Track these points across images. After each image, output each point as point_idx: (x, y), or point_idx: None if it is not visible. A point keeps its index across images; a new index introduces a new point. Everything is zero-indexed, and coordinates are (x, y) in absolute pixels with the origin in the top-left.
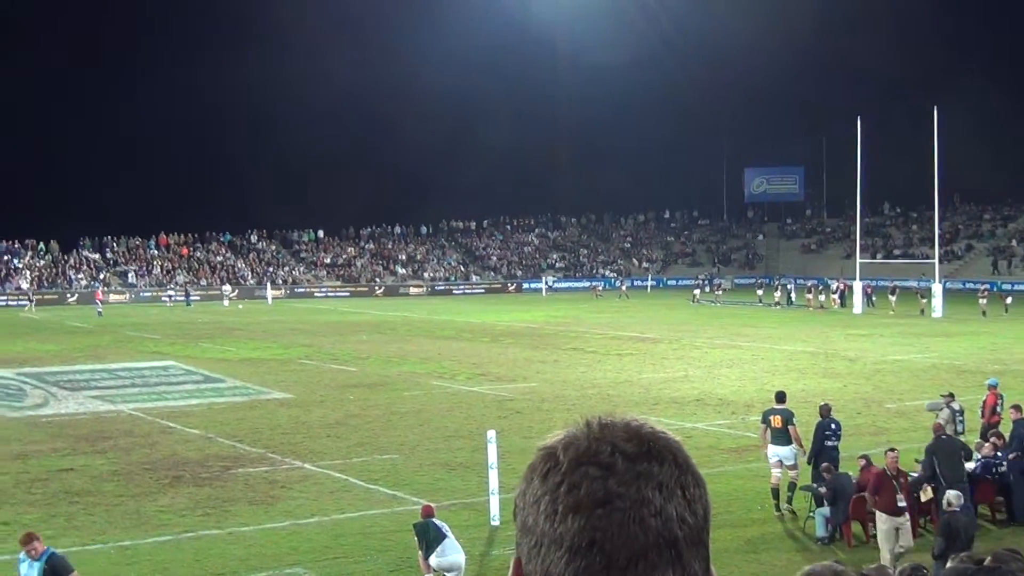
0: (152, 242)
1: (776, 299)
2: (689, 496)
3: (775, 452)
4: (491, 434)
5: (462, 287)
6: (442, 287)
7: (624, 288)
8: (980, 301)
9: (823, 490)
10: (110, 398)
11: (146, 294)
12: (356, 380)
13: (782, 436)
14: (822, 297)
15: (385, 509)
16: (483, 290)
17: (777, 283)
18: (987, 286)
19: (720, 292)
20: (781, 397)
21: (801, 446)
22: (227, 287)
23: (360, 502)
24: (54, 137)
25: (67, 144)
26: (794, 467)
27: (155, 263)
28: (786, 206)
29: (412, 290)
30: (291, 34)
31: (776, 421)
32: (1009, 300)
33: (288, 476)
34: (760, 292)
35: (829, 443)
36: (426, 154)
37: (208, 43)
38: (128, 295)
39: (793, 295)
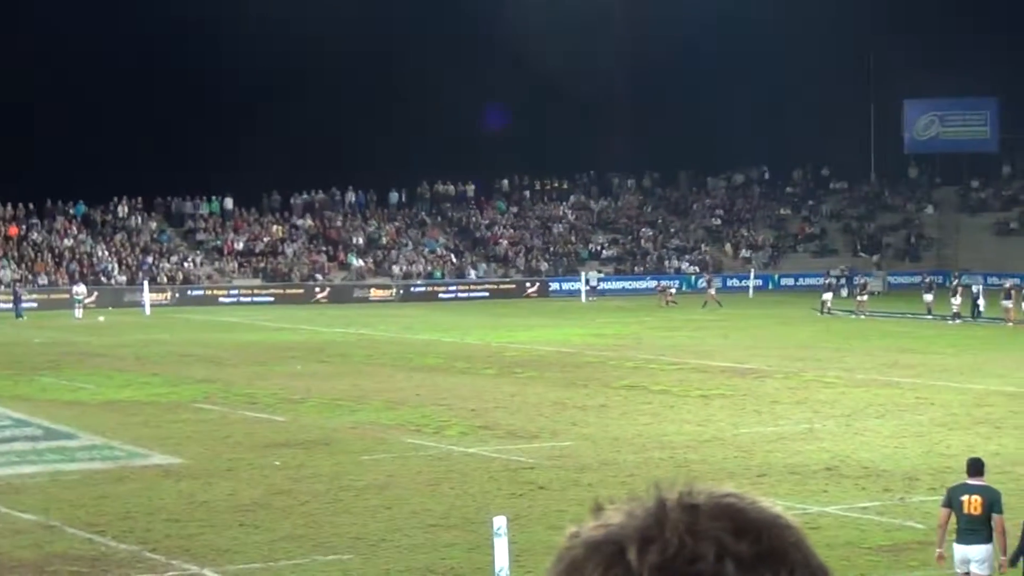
0: None
1: (955, 308)
2: None
3: (964, 554)
4: (499, 522)
5: (453, 288)
6: (422, 288)
7: (712, 291)
8: None
9: None
10: None
11: None
12: (285, 436)
13: (979, 528)
14: None
15: None
16: (486, 292)
17: (956, 283)
18: None
19: (865, 297)
20: (977, 467)
21: (1004, 545)
22: (79, 287)
23: None
24: None
25: None
26: None
27: None
28: (971, 160)
29: (374, 292)
30: None
31: (973, 505)
32: None
33: None
34: (929, 297)
35: None
36: (396, 78)
37: None
38: None
39: (982, 303)
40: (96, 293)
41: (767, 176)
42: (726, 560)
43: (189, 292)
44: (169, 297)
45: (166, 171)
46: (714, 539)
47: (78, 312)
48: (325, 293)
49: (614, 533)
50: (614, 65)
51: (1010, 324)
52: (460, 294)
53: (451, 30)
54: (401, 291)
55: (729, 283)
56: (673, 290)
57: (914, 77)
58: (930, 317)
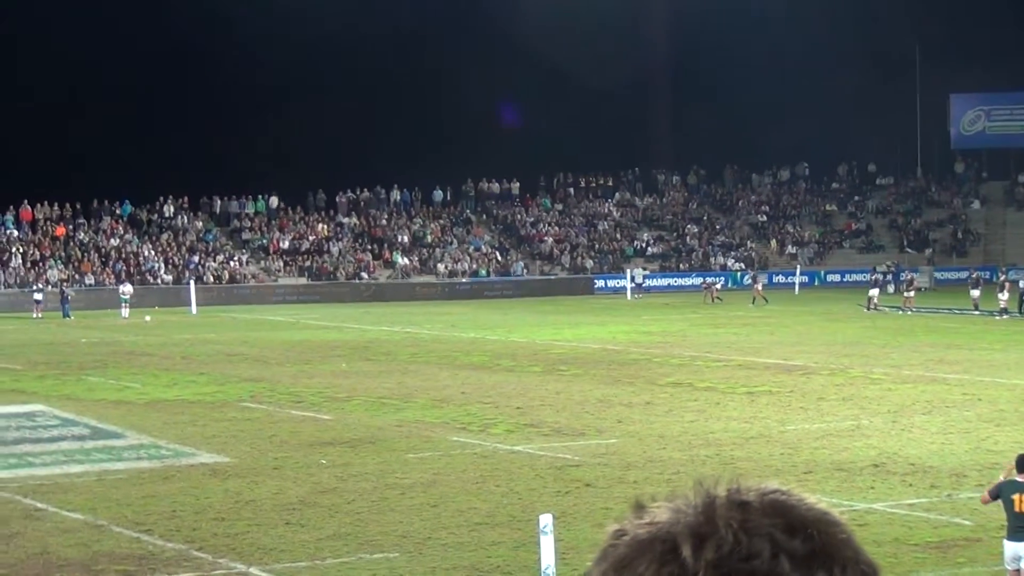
0: (9, 217)
1: (1002, 304)
2: None
3: (1015, 550)
4: (546, 520)
5: (499, 286)
6: (467, 286)
7: (759, 287)
8: None
9: None
10: None
11: None
12: (331, 434)
13: None
14: None
15: None
16: (532, 291)
17: (1003, 278)
18: None
19: (912, 293)
20: None
21: None
22: (126, 287)
23: None
24: None
25: None
26: None
27: (13, 249)
28: (1019, 154)
29: (420, 291)
30: None
31: (1022, 502)
32: None
33: None
34: (976, 293)
35: None
36: (440, 76)
37: None
38: None
39: None
40: (138, 292)
41: (808, 172)
42: (781, 557)
43: (235, 291)
44: (215, 296)
45: (212, 170)
46: (768, 536)
47: (124, 312)
48: (370, 291)
49: (664, 530)
50: (658, 62)
51: None
52: (506, 292)
53: (492, 29)
54: (447, 289)
55: (775, 279)
56: (719, 286)
57: (960, 71)
58: (977, 313)
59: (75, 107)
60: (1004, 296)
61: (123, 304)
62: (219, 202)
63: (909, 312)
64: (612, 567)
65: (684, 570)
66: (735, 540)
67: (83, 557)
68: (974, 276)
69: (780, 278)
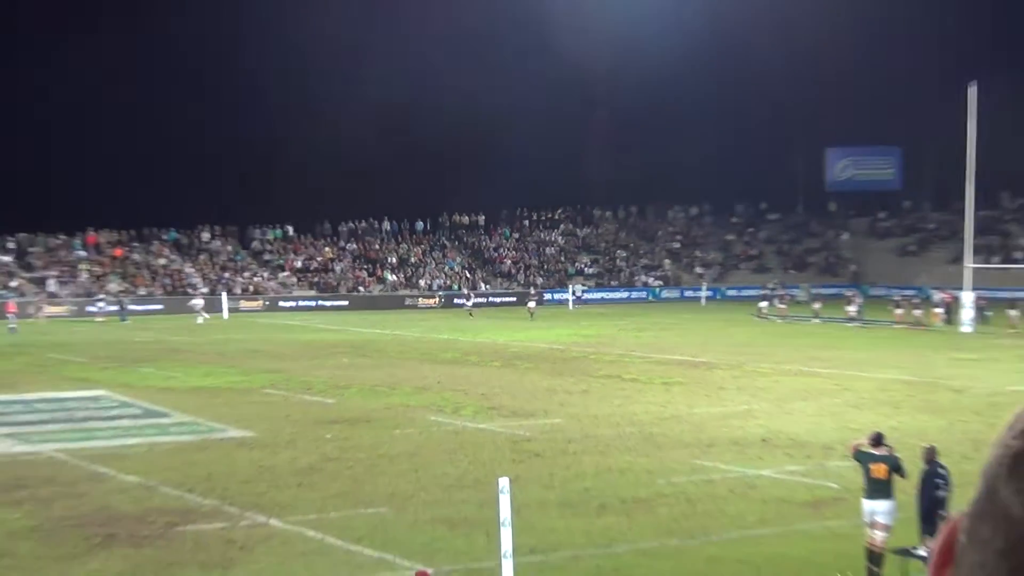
0: (77, 241)
1: (851, 313)
2: None
3: (871, 508)
4: (503, 483)
5: (467, 297)
6: (443, 297)
7: (469, 303)
8: None
9: (927, 553)
10: (26, 436)
11: (68, 306)
12: (334, 415)
13: (883, 488)
14: (918, 312)
15: (370, 575)
16: (495, 301)
17: (852, 294)
18: None
19: (784, 305)
20: (879, 439)
21: None
22: (198, 301)
23: (340, 567)
24: None
25: None
26: (887, 528)
27: (81, 267)
28: (878, 196)
29: (406, 301)
30: None
31: (878, 470)
32: None
33: (249, 535)
34: (818, 305)
35: (939, 493)
36: (421, 129)
37: None
38: (61, 309)
39: (853, 309)
40: (203, 302)
41: (708, 209)
42: None
43: (259, 300)
44: (261, 304)
45: (241, 203)
46: None
47: (199, 319)
48: (374, 302)
49: None
50: (595, 117)
51: (901, 326)
52: (473, 302)
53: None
54: (437, 300)
55: (687, 294)
56: (533, 304)
57: (836, 130)
58: (818, 321)
59: (133, 150)
60: (853, 309)
61: (198, 314)
62: (246, 229)
63: (786, 321)
64: (1010, 463)
65: None
66: None
67: (137, 511)
68: (849, 295)
69: (690, 293)
